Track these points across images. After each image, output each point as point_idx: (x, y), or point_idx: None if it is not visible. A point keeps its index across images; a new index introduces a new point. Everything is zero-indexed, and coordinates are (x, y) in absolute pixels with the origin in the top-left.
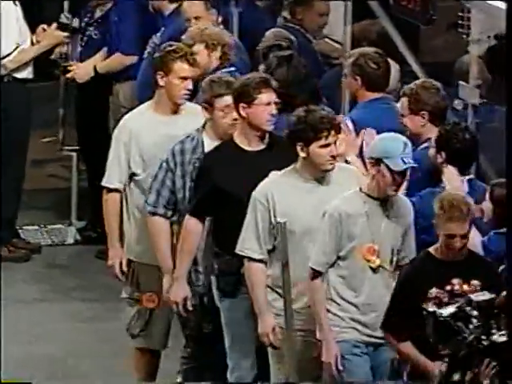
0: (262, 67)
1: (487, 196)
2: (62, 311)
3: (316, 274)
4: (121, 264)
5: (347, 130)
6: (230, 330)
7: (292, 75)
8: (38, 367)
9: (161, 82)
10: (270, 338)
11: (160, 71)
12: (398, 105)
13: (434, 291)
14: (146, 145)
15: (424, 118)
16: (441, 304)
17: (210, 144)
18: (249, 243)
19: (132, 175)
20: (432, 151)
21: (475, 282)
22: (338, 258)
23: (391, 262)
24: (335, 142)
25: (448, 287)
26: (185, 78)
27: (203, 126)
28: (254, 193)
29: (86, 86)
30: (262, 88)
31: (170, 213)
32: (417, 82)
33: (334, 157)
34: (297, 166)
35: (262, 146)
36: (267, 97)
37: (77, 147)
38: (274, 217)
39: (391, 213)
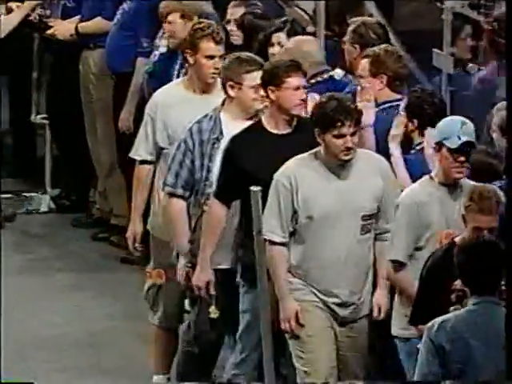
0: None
1: None
2: (38, 281)
3: (399, 268)
4: (135, 240)
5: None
6: (248, 315)
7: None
8: (15, 337)
9: (190, 60)
10: (291, 323)
11: (188, 49)
12: (359, 66)
13: (458, 283)
14: (172, 120)
15: (382, 82)
16: (465, 296)
17: (228, 123)
18: (270, 226)
19: (160, 150)
20: (403, 119)
21: None
22: (416, 248)
23: None
24: (353, 134)
25: None
26: (212, 57)
27: (222, 105)
28: (275, 175)
29: (59, 53)
30: (292, 72)
31: (187, 193)
32: (381, 46)
33: (349, 148)
34: (318, 151)
35: (290, 129)
36: (296, 81)
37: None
38: (296, 201)
39: (461, 197)
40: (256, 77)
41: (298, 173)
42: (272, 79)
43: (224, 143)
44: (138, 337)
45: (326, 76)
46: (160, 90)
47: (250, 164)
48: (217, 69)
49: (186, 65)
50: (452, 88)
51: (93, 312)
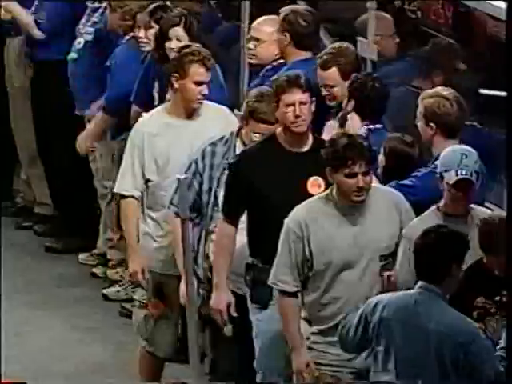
0: None
1: (381, 149)
2: None
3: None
4: (143, 271)
5: None
6: (259, 341)
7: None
8: None
9: (175, 85)
10: (304, 375)
11: (175, 73)
12: (325, 76)
13: (480, 300)
14: (159, 149)
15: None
16: (487, 314)
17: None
18: (282, 275)
19: (146, 181)
20: (344, 101)
21: None
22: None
23: None
24: (366, 173)
25: (497, 297)
26: (200, 83)
27: (238, 130)
28: (286, 220)
29: None
30: (286, 87)
31: (194, 215)
32: (335, 47)
33: (361, 188)
34: (330, 192)
35: (306, 148)
36: (290, 97)
37: None
38: (308, 247)
39: (472, 229)
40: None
41: (310, 218)
42: (274, 95)
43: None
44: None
45: (276, 63)
46: (143, 119)
47: (261, 182)
48: (204, 95)
49: (170, 89)
50: (376, 76)
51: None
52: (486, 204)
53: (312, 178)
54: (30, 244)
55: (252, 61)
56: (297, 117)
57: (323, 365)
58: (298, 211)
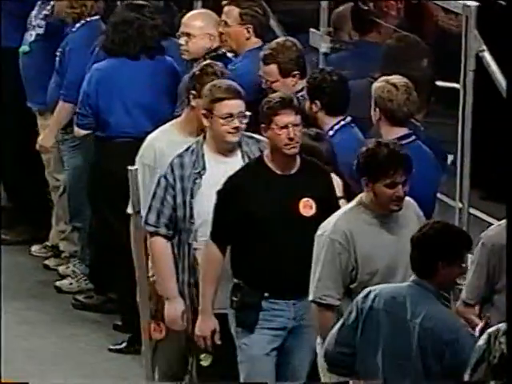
0: None
1: None
2: None
3: (467, 308)
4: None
5: None
6: (246, 368)
7: None
8: None
9: (193, 102)
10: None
11: (193, 90)
12: (266, 71)
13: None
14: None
15: (295, 77)
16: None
17: (211, 157)
18: (326, 290)
19: None
20: (307, 104)
21: None
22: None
23: None
24: (404, 183)
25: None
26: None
27: (204, 137)
28: (326, 233)
29: None
30: (280, 109)
31: (171, 232)
32: (279, 42)
33: (399, 198)
34: (363, 199)
35: (294, 170)
36: (283, 119)
37: None
38: (355, 257)
39: None
40: (227, 105)
41: (353, 228)
42: (261, 117)
43: (207, 179)
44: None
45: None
46: (154, 136)
47: (251, 206)
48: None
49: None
50: (329, 67)
51: None
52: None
53: (304, 200)
54: None
55: (185, 56)
56: (290, 139)
57: None
58: (338, 222)
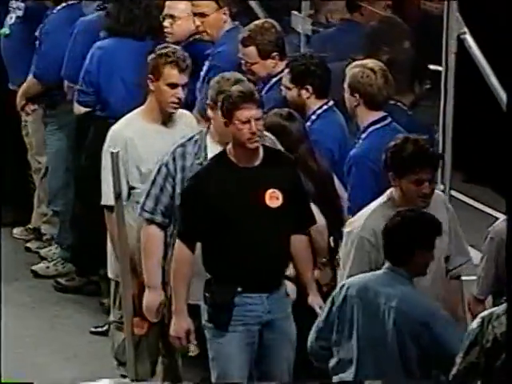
0: None
1: None
2: None
3: (478, 303)
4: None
5: None
6: (218, 365)
7: None
8: None
9: (151, 87)
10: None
11: (151, 75)
12: (245, 53)
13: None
14: (141, 157)
15: (275, 58)
16: None
17: (214, 148)
18: None
19: (130, 189)
20: (294, 92)
21: None
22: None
23: None
24: (432, 179)
25: None
26: (174, 85)
27: (208, 128)
28: (355, 231)
29: None
30: (241, 103)
31: (166, 221)
32: (257, 24)
33: (426, 195)
34: (391, 197)
35: (258, 162)
36: (245, 113)
37: None
38: (381, 256)
39: None
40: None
41: (381, 225)
42: (223, 111)
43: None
44: None
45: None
46: (119, 124)
47: (216, 201)
48: (179, 98)
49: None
50: (310, 50)
51: None
52: None
53: (269, 191)
54: None
55: (169, 39)
56: (253, 133)
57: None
58: (367, 220)
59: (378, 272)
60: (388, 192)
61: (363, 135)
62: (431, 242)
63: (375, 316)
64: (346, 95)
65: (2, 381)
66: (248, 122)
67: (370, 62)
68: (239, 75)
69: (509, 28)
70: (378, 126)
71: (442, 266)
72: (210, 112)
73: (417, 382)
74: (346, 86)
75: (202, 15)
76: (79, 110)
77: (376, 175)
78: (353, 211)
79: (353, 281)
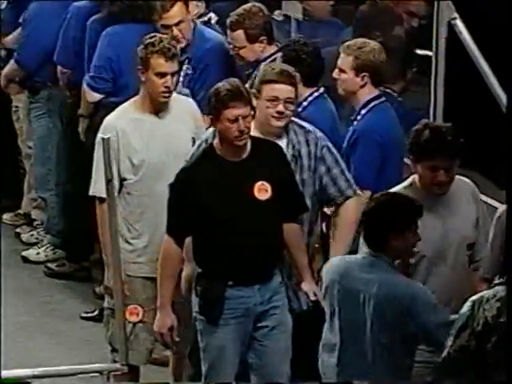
0: None
1: None
2: None
3: (483, 283)
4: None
5: None
6: (209, 357)
7: None
8: None
9: (142, 78)
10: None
11: (140, 65)
12: (233, 37)
13: None
14: (133, 147)
15: (263, 42)
16: None
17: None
18: None
19: (122, 181)
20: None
21: None
22: None
23: None
24: (449, 169)
25: None
26: (163, 74)
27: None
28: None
29: None
30: (229, 101)
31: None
32: (245, 8)
33: (441, 182)
34: (414, 182)
35: (245, 155)
36: (233, 112)
37: None
38: None
39: None
40: (275, 89)
41: None
42: (210, 108)
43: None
44: None
45: (205, 18)
46: (112, 115)
47: (205, 195)
48: (168, 87)
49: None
50: (301, 35)
51: None
52: None
53: (258, 184)
54: None
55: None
56: (241, 132)
57: (417, 362)
58: None
59: (358, 256)
60: (411, 178)
61: (363, 111)
62: (410, 224)
63: (355, 303)
64: (348, 77)
65: (2, 380)
66: (236, 120)
67: (372, 42)
68: (285, 65)
69: (500, 14)
70: (377, 101)
71: (463, 253)
72: (254, 101)
73: (410, 381)
74: (348, 68)
75: (178, 24)
76: (94, 97)
77: (382, 148)
78: (359, 184)
79: (338, 264)
